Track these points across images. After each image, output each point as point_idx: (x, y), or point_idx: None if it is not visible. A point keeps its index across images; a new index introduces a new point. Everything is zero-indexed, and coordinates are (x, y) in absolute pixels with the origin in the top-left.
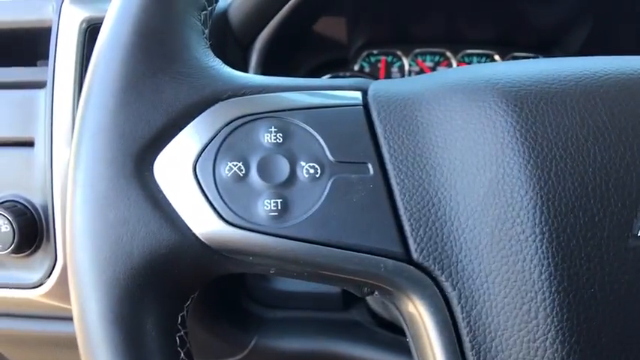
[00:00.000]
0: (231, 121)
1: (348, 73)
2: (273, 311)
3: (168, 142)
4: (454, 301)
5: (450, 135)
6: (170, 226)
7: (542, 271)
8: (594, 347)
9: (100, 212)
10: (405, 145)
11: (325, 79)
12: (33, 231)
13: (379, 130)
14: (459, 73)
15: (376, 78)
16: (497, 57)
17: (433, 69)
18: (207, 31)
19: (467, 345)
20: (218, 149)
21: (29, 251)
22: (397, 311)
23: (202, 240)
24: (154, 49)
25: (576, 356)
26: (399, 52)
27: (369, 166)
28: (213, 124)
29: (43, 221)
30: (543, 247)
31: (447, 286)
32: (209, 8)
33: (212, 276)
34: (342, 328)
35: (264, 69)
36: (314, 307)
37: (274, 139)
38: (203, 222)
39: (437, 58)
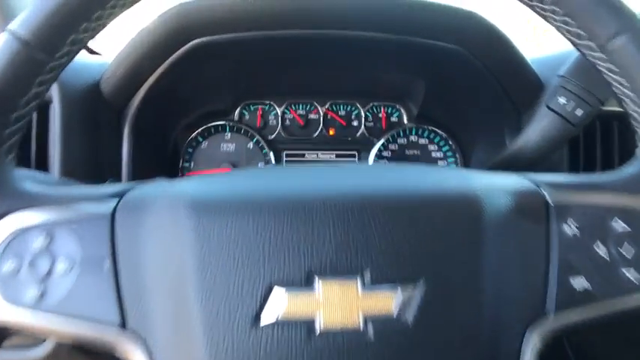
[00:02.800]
0: (13, 232)
1: (230, 123)
2: None
3: None
4: (150, 349)
5: (156, 235)
6: None
7: (200, 340)
8: None
9: None
10: (131, 246)
11: (94, 187)
12: None
13: (117, 237)
14: (174, 186)
15: (254, 126)
16: (358, 105)
17: (305, 116)
18: (13, 156)
19: None
20: (3, 251)
21: None
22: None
23: None
24: None
25: None
26: (272, 103)
27: (106, 262)
28: (1, 233)
29: None
30: (199, 325)
31: (147, 341)
32: (14, 133)
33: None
34: None
35: (139, 127)
36: None
37: (42, 244)
38: None
39: (308, 107)
